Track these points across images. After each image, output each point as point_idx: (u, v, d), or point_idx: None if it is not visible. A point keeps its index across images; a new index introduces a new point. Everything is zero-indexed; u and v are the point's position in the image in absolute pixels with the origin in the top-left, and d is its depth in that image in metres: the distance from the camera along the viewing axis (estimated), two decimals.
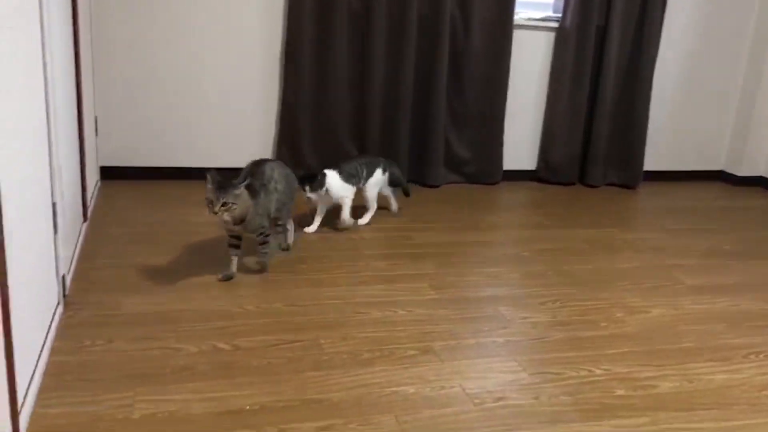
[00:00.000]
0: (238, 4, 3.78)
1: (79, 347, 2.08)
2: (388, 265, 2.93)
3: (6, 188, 1.56)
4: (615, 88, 4.42)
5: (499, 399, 1.97)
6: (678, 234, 3.66)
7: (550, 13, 4.42)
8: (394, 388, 1.99)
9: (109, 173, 3.82)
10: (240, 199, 2.46)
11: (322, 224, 3.30)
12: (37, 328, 1.93)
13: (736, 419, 1.95)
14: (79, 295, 2.43)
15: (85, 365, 1.99)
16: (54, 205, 2.23)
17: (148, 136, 3.85)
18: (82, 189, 2.98)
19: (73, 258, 2.63)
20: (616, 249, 3.35)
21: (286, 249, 2.98)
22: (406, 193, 3.68)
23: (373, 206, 3.42)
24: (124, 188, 3.70)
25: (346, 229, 3.27)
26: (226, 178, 2.47)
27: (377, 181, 3.35)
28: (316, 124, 4.00)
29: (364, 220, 3.41)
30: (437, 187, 4.26)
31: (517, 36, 4.24)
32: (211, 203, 2.43)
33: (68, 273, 2.49)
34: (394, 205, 3.58)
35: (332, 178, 3.14)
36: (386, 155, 4.13)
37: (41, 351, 1.95)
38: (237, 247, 2.66)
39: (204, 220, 2.59)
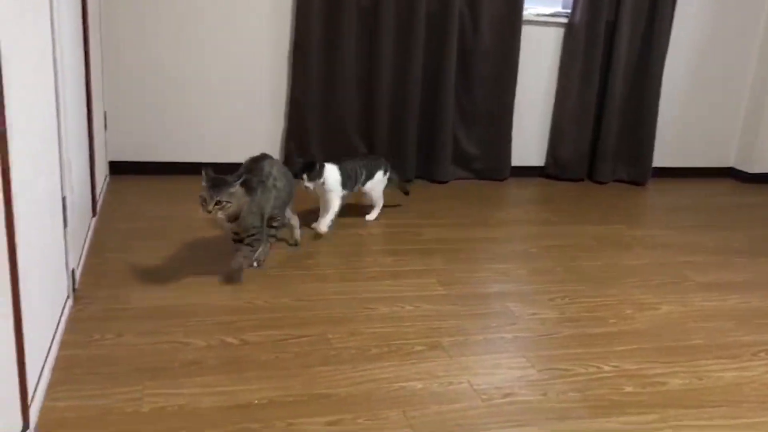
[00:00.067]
0: (246, 1, 3.79)
1: (88, 341, 2.09)
2: (396, 260, 2.93)
3: (17, 182, 1.57)
4: (624, 84, 4.40)
5: (507, 395, 1.97)
6: (687, 231, 3.64)
7: (559, 9, 4.40)
8: (402, 384, 1.99)
9: (117, 168, 3.83)
10: (234, 197, 2.41)
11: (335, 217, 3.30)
12: (47, 321, 1.94)
13: (746, 417, 1.94)
14: (88, 289, 2.44)
15: (94, 359, 2.00)
16: (64, 199, 2.23)
17: (157, 132, 3.86)
18: (91, 184, 2.99)
19: (82, 252, 2.64)
20: (625, 246, 3.33)
21: (295, 244, 2.98)
22: (406, 192, 3.65)
23: (379, 203, 3.41)
24: (132, 183, 3.72)
25: (319, 236, 3.10)
26: (220, 176, 2.41)
27: (378, 182, 3.34)
28: (324, 121, 4.00)
29: (372, 216, 3.41)
30: (445, 183, 4.25)
31: (526, 32, 4.22)
32: (204, 201, 2.38)
33: (78, 267, 2.50)
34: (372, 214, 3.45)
35: (331, 171, 3.09)
36: (394, 152, 4.13)
37: (51, 345, 1.96)
38: (241, 241, 2.63)
39: (213, 216, 2.57)
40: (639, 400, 1.99)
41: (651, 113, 4.44)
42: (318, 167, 3.02)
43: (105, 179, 3.62)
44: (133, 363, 1.99)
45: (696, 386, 2.09)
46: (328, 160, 3.16)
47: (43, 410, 1.75)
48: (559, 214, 3.79)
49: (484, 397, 1.95)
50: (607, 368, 2.16)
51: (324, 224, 3.09)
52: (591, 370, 2.14)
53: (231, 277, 2.59)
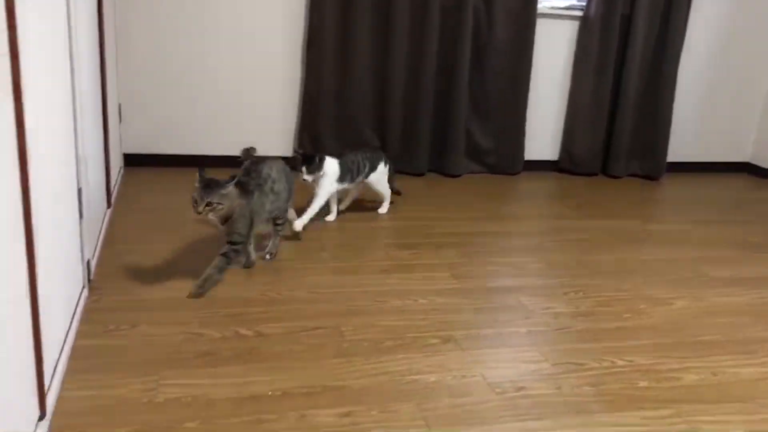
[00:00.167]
0: None
1: (103, 331, 2.11)
2: (409, 254, 2.92)
3: (34, 174, 1.58)
4: (639, 78, 4.36)
5: (521, 389, 1.96)
6: (702, 226, 3.61)
7: (574, 2, 4.37)
8: (415, 377, 1.99)
9: (131, 160, 3.85)
10: (226, 198, 2.34)
11: (348, 210, 3.31)
12: (63, 312, 1.95)
13: (762, 413, 1.93)
14: (103, 280, 2.46)
15: (109, 349, 2.01)
16: (79, 191, 2.25)
17: (171, 124, 3.87)
18: (106, 176, 3.00)
19: (97, 244, 2.66)
20: (640, 240, 3.31)
21: (273, 255, 2.79)
22: (397, 192, 3.52)
23: (387, 194, 3.39)
24: (146, 175, 3.73)
25: (295, 234, 2.99)
26: (213, 177, 2.35)
27: (381, 173, 3.30)
28: (338, 113, 4.00)
29: (383, 209, 3.41)
30: (458, 176, 4.24)
31: (541, 25, 4.20)
32: (195, 202, 2.31)
33: (93, 258, 2.52)
34: (341, 206, 3.37)
35: (330, 165, 3.04)
36: (407, 144, 4.13)
37: (67, 335, 1.98)
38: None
39: (204, 217, 2.49)
40: (654, 395, 1.98)
41: (666, 107, 4.41)
42: (317, 160, 2.97)
43: (119, 171, 3.64)
44: (148, 353, 2.00)
45: (711, 382, 2.07)
46: (331, 154, 3.13)
47: (60, 400, 1.76)
48: (573, 208, 3.77)
49: (497, 390, 1.95)
50: (621, 363, 2.15)
51: (301, 223, 2.98)
52: (605, 364, 2.13)
53: (194, 293, 2.40)
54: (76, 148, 2.21)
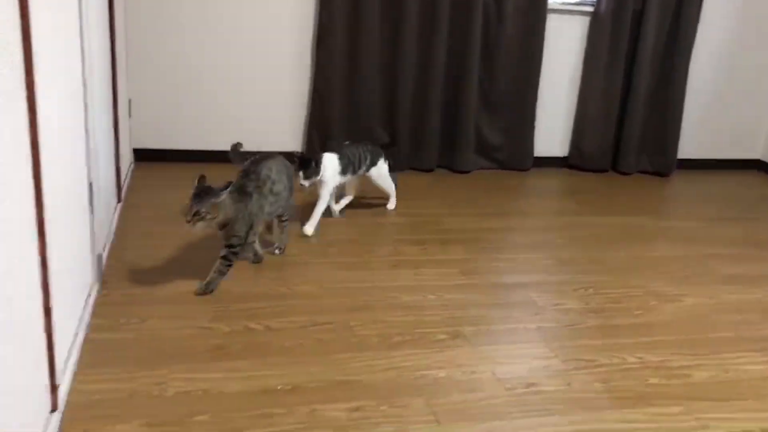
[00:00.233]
0: None
1: (114, 325, 2.12)
2: (418, 250, 2.92)
3: (46, 168, 1.59)
4: (650, 74, 4.34)
5: (531, 385, 1.96)
6: (713, 223, 3.59)
7: None
8: (424, 372, 1.99)
9: (141, 155, 3.87)
10: (218, 208, 2.27)
11: (356, 206, 3.31)
12: (75, 305, 1.96)
13: None
14: (114, 274, 2.47)
15: (120, 343, 2.02)
16: (90, 185, 2.26)
17: (181, 120, 3.88)
18: (116, 171, 3.01)
19: (108, 238, 2.67)
20: (650, 237, 3.30)
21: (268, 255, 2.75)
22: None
23: (392, 189, 3.35)
24: (156, 170, 3.74)
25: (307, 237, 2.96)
26: (208, 185, 2.28)
27: (382, 168, 3.24)
28: (347, 109, 3.99)
29: (391, 204, 3.40)
30: (467, 173, 4.23)
31: (551, 20, 4.18)
32: (187, 210, 2.25)
33: (104, 252, 2.53)
34: (338, 206, 3.27)
35: (329, 162, 2.97)
36: (416, 141, 4.12)
37: (78, 328, 1.99)
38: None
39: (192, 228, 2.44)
40: (664, 391, 1.97)
41: (677, 104, 4.38)
42: (314, 165, 2.88)
43: (129, 166, 3.65)
44: (159, 347, 2.01)
45: (722, 379, 2.06)
46: (331, 149, 3.09)
47: (71, 392, 1.77)
48: (583, 204, 3.76)
49: (507, 386, 1.94)
50: (631, 360, 2.14)
51: (311, 227, 2.97)
52: (615, 361, 2.13)
53: (201, 292, 2.38)
54: (87, 143, 2.22)
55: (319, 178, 2.93)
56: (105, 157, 2.66)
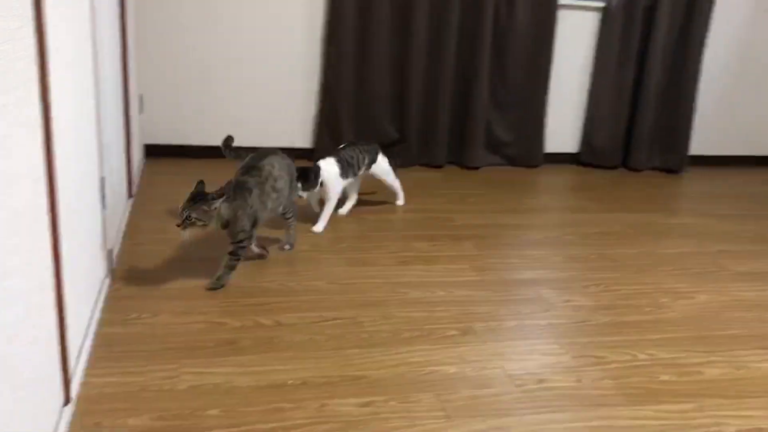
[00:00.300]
0: None
1: (125, 319, 2.13)
2: (428, 246, 2.92)
3: (59, 162, 1.59)
4: (662, 70, 4.31)
5: (541, 381, 1.96)
6: (724, 220, 3.57)
7: None
8: (435, 368, 1.99)
9: (152, 151, 3.88)
10: (208, 216, 2.24)
11: (366, 202, 3.31)
12: (87, 299, 1.97)
13: None
14: (124, 269, 2.48)
15: (131, 337, 2.03)
16: (102, 180, 2.27)
17: (191, 115, 3.89)
18: (127, 166, 3.03)
19: (119, 233, 2.68)
20: (661, 234, 3.28)
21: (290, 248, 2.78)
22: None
23: (396, 184, 3.31)
24: (167, 166, 3.75)
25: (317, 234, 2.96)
26: (204, 191, 2.27)
27: (384, 162, 3.21)
28: (356, 105, 3.99)
29: (400, 200, 3.38)
30: (477, 169, 4.22)
31: (562, 16, 4.16)
32: (178, 215, 2.23)
33: (115, 247, 2.54)
34: (344, 209, 3.23)
35: (328, 166, 2.93)
36: (426, 136, 4.11)
37: (90, 322, 2.00)
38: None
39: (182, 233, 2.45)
40: (675, 389, 1.96)
41: (688, 100, 4.35)
42: (313, 177, 2.85)
43: (140, 162, 3.67)
44: (170, 341, 2.02)
45: (734, 376, 2.05)
46: (326, 155, 3.03)
47: (83, 386, 1.78)
48: (594, 201, 3.74)
49: (517, 382, 1.94)
50: (642, 356, 2.13)
51: (322, 225, 2.98)
52: (626, 357, 2.12)
53: (212, 288, 2.38)
54: (99, 138, 2.23)
55: (316, 190, 2.90)
56: (116, 152, 2.67)
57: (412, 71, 3.96)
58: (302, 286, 2.45)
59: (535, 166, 4.35)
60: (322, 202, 3.05)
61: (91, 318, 2.02)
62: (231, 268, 2.40)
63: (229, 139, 2.84)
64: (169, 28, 3.73)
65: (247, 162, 2.50)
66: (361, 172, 3.12)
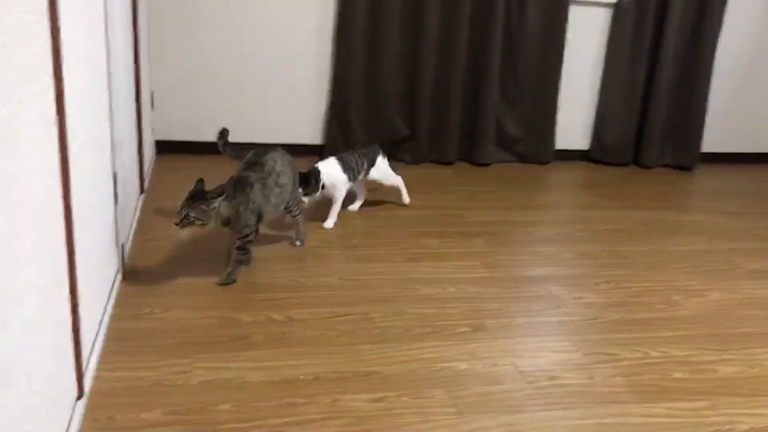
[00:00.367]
0: None
1: (138, 314, 2.14)
2: (439, 242, 2.92)
3: (73, 157, 1.60)
4: (674, 67, 4.28)
5: (553, 378, 1.95)
6: (737, 217, 3.55)
7: None
8: (446, 364, 1.99)
9: (163, 147, 3.89)
10: (207, 215, 2.22)
11: (372, 199, 3.30)
12: (99, 294, 1.98)
13: None
14: (136, 264, 2.49)
15: (144, 332, 2.04)
16: (115, 176, 2.27)
17: (202, 111, 3.90)
18: (139, 162, 3.04)
19: (131, 228, 2.69)
20: (673, 231, 3.26)
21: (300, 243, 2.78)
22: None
23: (399, 183, 3.23)
24: (178, 162, 3.76)
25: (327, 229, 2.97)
26: (203, 189, 2.25)
27: (383, 164, 3.13)
28: (367, 101, 3.99)
29: (405, 198, 3.28)
30: (487, 165, 4.21)
31: (573, 12, 4.14)
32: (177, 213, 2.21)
33: (127, 242, 2.55)
34: (357, 204, 3.24)
35: (330, 167, 2.90)
36: (436, 132, 4.10)
37: (102, 317, 2.01)
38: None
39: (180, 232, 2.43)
40: (688, 386, 1.95)
41: (701, 97, 4.32)
42: (314, 180, 2.81)
43: (152, 158, 3.68)
44: (182, 336, 2.03)
45: (748, 374, 2.04)
46: (333, 154, 3.01)
47: (96, 379, 1.79)
48: (605, 198, 3.73)
49: (529, 379, 1.94)
50: (654, 354, 2.12)
51: (332, 221, 2.98)
52: (638, 355, 2.11)
53: (223, 283, 2.38)
54: (112, 134, 2.24)
55: (318, 195, 2.86)
56: (128, 148, 2.68)
57: (423, 68, 3.95)
58: (313, 282, 2.45)
59: (546, 163, 4.34)
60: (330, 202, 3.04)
61: (103, 312, 2.03)
62: (240, 262, 2.41)
63: (224, 132, 2.77)
64: (180, 25, 3.73)
65: (249, 158, 2.49)
66: (360, 177, 3.06)
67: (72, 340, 1.60)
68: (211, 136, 3.92)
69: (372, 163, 3.10)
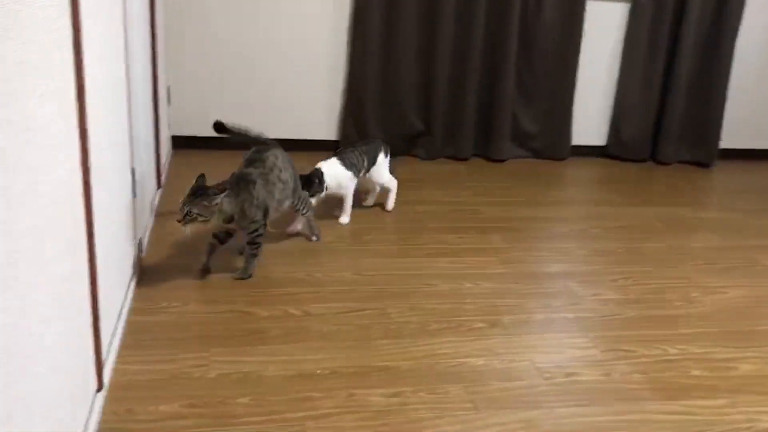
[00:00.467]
0: None
1: (155, 308, 2.15)
2: (455, 238, 2.91)
3: (94, 152, 1.61)
4: (692, 62, 4.24)
5: (570, 374, 1.94)
6: (755, 214, 3.51)
7: None
8: (463, 360, 1.98)
9: (179, 143, 3.91)
10: (209, 211, 2.20)
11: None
12: (118, 287, 2.00)
13: None
14: (154, 258, 2.50)
15: (162, 326, 2.06)
16: (133, 170, 2.29)
17: (218, 107, 3.91)
18: (156, 157, 3.05)
19: (148, 223, 2.71)
20: (690, 228, 3.24)
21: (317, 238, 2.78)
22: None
23: (393, 185, 3.14)
24: (194, 157, 3.78)
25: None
26: (205, 185, 2.23)
27: (382, 164, 3.06)
28: (382, 97, 3.98)
29: (390, 204, 3.15)
30: (502, 161, 4.19)
31: (590, 6, 4.11)
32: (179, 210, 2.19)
33: (145, 237, 2.57)
34: (371, 199, 3.20)
35: (333, 167, 2.85)
36: (451, 128, 4.09)
37: (121, 310, 2.03)
38: (221, 242, 2.43)
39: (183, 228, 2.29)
40: (707, 384, 1.94)
41: (719, 92, 4.28)
42: (317, 181, 2.77)
43: (168, 153, 3.70)
44: (199, 330, 2.04)
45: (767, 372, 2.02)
46: (341, 151, 2.97)
47: (115, 372, 1.81)
48: (621, 194, 3.70)
49: (546, 375, 1.93)
50: (673, 351, 2.11)
51: (346, 217, 2.98)
52: (656, 352, 2.10)
53: (239, 278, 2.39)
54: (130, 129, 2.25)
55: (323, 194, 2.82)
56: (145, 143, 2.70)
57: (438, 63, 3.94)
58: (329, 277, 2.46)
59: (562, 159, 4.31)
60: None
61: (121, 306, 2.05)
62: (253, 256, 2.41)
63: (219, 125, 2.71)
64: (196, 21, 3.75)
65: (249, 156, 2.49)
66: (361, 175, 3.01)
67: (92, 333, 1.62)
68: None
69: (373, 161, 3.03)
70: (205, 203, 2.19)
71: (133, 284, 2.24)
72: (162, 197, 3.14)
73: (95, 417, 1.59)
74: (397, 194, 3.20)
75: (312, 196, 2.77)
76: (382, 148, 3.08)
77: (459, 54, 3.97)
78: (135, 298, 2.20)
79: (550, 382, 1.90)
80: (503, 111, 4.09)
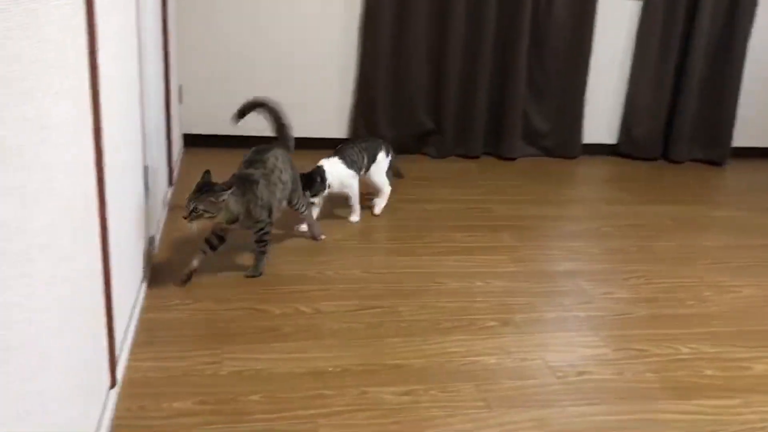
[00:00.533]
0: None
1: (167, 305, 2.16)
2: (466, 236, 2.91)
3: (108, 150, 1.62)
4: (705, 60, 4.21)
5: (582, 373, 1.94)
6: (767, 213, 3.49)
7: None
8: (474, 358, 1.98)
9: (191, 141, 3.92)
10: (216, 207, 2.18)
11: (396, 193, 3.30)
12: (131, 284, 2.01)
13: None
14: (166, 255, 2.51)
15: (174, 323, 2.06)
16: (145, 168, 2.30)
17: (230, 105, 3.91)
18: (168, 154, 3.07)
19: (160, 220, 2.72)
20: (703, 227, 3.22)
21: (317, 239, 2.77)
22: (399, 175, 3.23)
23: (385, 189, 3.06)
24: (206, 155, 3.79)
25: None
26: (212, 183, 2.21)
27: (381, 164, 3.01)
28: (393, 95, 3.98)
29: (378, 209, 3.07)
30: (513, 160, 4.18)
31: (602, 3, 4.09)
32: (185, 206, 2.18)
33: (157, 234, 2.58)
34: (378, 206, 3.10)
35: (334, 166, 2.83)
36: (462, 126, 4.09)
37: (133, 307, 2.04)
38: (213, 248, 2.38)
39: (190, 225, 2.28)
40: (720, 383, 1.93)
41: (732, 91, 4.25)
42: (319, 180, 2.75)
43: (180, 151, 3.71)
44: (211, 327, 2.05)
45: None
46: (341, 148, 2.94)
47: (128, 369, 1.82)
48: (633, 193, 3.69)
49: (558, 374, 1.92)
50: (685, 350, 2.10)
51: (356, 216, 2.97)
52: (668, 351, 2.09)
53: (251, 276, 2.40)
54: (143, 127, 2.26)
55: (325, 194, 2.81)
56: (158, 141, 2.71)
57: (449, 61, 3.94)
58: (340, 275, 2.46)
59: (573, 158, 4.30)
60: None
61: (134, 303, 2.06)
62: (263, 253, 2.41)
63: (240, 112, 2.74)
64: (208, 19, 3.76)
65: (249, 157, 2.49)
66: (362, 173, 2.97)
67: (106, 330, 1.63)
68: (237, 130, 3.96)
69: (373, 158, 2.98)
70: (212, 199, 2.17)
71: (145, 281, 2.25)
72: (174, 195, 3.15)
73: (108, 414, 1.60)
74: (408, 192, 3.19)
75: (315, 195, 2.77)
76: (383, 147, 3.03)
77: (470, 52, 3.96)
78: (147, 296, 2.21)
79: (562, 381, 1.89)
80: (514, 109, 4.08)
